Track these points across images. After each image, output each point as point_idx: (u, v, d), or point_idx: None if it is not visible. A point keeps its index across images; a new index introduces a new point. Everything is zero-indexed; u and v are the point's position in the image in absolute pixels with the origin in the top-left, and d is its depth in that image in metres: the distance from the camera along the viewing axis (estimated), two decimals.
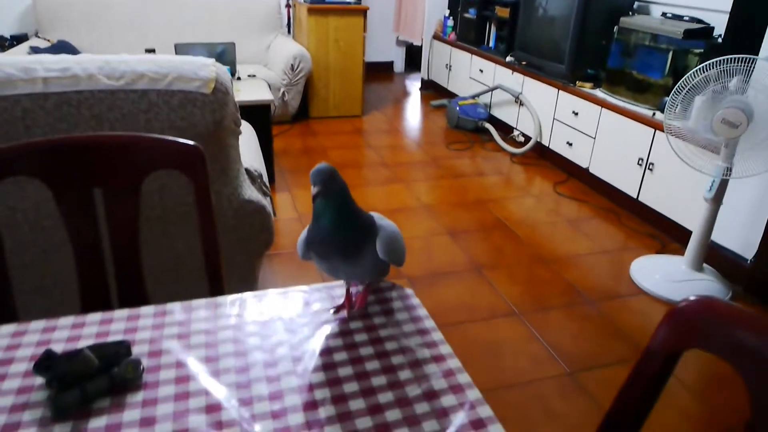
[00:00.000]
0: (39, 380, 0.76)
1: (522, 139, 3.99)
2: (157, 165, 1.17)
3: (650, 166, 2.87)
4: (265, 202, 1.91)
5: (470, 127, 4.28)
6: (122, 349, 0.76)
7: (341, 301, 0.94)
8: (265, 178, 2.15)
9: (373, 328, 0.88)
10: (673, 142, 2.27)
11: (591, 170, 3.34)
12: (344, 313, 0.91)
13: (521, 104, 3.93)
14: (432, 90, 5.57)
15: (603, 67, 3.36)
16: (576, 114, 3.40)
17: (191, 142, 1.16)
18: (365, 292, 0.94)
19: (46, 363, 0.73)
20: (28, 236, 1.62)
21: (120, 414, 0.71)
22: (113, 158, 1.15)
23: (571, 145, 3.49)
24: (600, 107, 3.19)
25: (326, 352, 0.82)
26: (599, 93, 3.27)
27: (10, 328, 0.85)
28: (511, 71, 4.04)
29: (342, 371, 0.78)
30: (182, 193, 1.69)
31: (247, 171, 1.96)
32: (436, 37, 5.36)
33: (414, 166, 3.69)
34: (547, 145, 3.74)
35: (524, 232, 2.86)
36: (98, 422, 0.70)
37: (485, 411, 0.72)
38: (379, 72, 6.32)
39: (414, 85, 5.86)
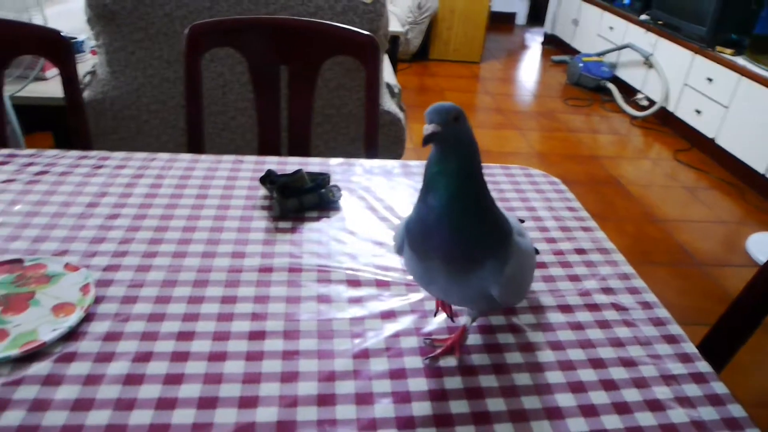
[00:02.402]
0: (261, 192, 0.94)
1: (646, 103, 3.88)
2: (336, 51, 1.32)
3: None
4: (401, 115, 2.05)
5: (591, 86, 4.20)
6: (326, 177, 0.93)
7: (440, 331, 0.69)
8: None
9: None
10: None
11: (717, 141, 3.22)
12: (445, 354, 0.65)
13: (650, 66, 3.81)
14: (554, 45, 5.45)
15: (749, 33, 3.19)
16: (710, 80, 3.27)
17: (367, 32, 1.30)
18: (461, 334, 0.66)
19: (269, 177, 0.91)
20: (220, 96, 1.82)
21: (328, 223, 0.88)
22: (300, 40, 1.30)
23: (699, 113, 3.37)
24: (739, 75, 3.05)
25: None
26: (740, 60, 3.13)
27: (230, 157, 1.04)
28: (644, 30, 3.90)
29: None
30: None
31: (388, 85, 2.10)
32: None
33: (529, 116, 3.71)
34: (672, 111, 3.63)
35: (637, 191, 2.85)
36: (311, 225, 0.87)
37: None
38: (500, 22, 6.23)
39: (535, 39, 5.76)
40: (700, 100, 3.37)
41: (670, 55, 3.64)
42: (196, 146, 1.33)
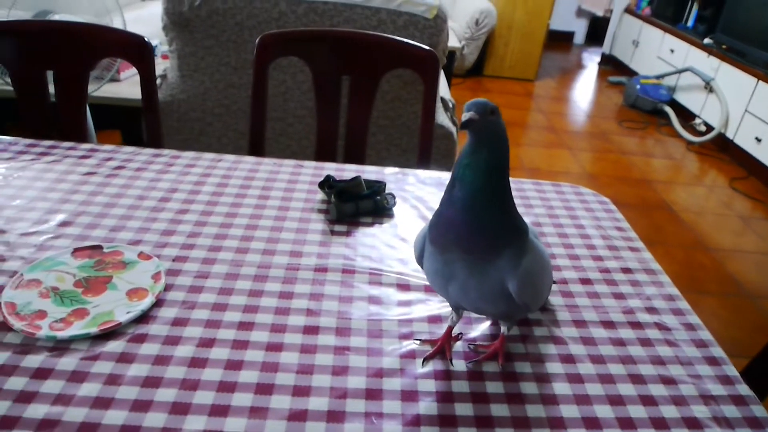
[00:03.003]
0: (319, 195, 0.99)
1: (704, 128, 3.79)
2: (397, 64, 1.36)
3: None
4: (453, 130, 2.08)
5: (648, 108, 4.13)
6: (382, 185, 0.97)
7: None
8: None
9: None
10: None
11: None
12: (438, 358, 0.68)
13: (711, 91, 3.72)
14: (611, 66, 5.38)
15: None
16: None
17: (428, 47, 1.34)
18: (502, 342, 0.69)
19: (327, 182, 0.96)
20: (281, 103, 1.90)
21: (381, 229, 0.92)
22: (363, 52, 1.36)
23: (760, 141, 3.28)
24: None
25: None
26: None
27: (291, 162, 1.10)
28: (706, 54, 3.82)
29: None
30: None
31: (442, 99, 2.14)
32: (628, 10, 5.15)
33: (581, 136, 3.68)
34: (731, 138, 3.53)
35: (689, 218, 2.79)
36: (365, 230, 0.91)
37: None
38: (558, 41, 6.20)
39: (592, 59, 5.70)
40: (761, 127, 3.27)
41: (733, 80, 3.55)
42: (257, 149, 1.40)
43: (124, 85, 2.23)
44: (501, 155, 0.58)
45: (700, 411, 0.65)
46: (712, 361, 0.73)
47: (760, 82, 3.30)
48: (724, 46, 3.74)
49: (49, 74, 1.32)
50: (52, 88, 1.32)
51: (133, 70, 2.27)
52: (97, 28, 1.31)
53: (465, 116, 0.54)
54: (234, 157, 1.11)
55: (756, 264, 2.48)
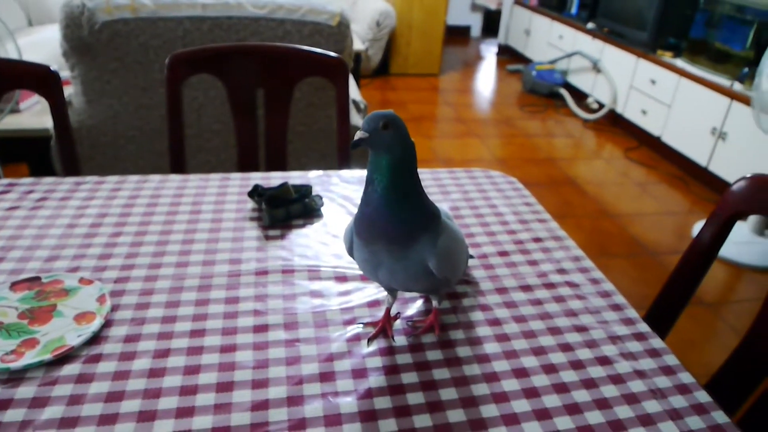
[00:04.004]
0: (250, 204, 1.03)
1: (596, 106, 4.09)
2: (309, 72, 1.42)
3: (723, 136, 2.97)
4: None
5: (545, 92, 4.41)
6: (308, 188, 1.03)
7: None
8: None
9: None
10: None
11: (663, 139, 3.43)
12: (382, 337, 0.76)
13: (598, 71, 4.03)
14: (508, 55, 5.67)
15: (685, 36, 3.42)
16: (653, 82, 3.49)
17: (337, 55, 1.41)
18: (436, 315, 0.77)
19: (256, 191, 1.01)
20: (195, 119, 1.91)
21: (313, 229, 0.98)
22: (275, 64, 1.40)
23: (645, 113, 3.59)
24: (679, 76, 3.27)
25: None
26: (679, 62, 3.35)
27: (217, 176, 1.13)
28: (591, 38, 4.13)
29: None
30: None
31: (354, 101, 2.21)
32: (517, 2, 5.44)
33: (488, 124, 3.87)
34: (621, 113, 3.84)
35: (592, 190, 3.02)
36: (298, 232, 0.97)
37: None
38: (456, 35, 6.44)
39: (490, 50, 5.97)
40: (645, 101, 3.58)
41: (616, 59, 3.86)
42: (178, 167, 1.41)
43: (26, 115, 2.15)
44: (403, 157, 0.64)
45: (609, 350, 0.75)
46: (616, 307, 0.84)
47: (640, 59, 3.61)
48: (605, 30, 4.06)
49: None
50: None
51: (34, 99, 2.19)
52: (0, 62, 1.28)
53: (356, 135, 0.62)
54: (160, 177, 1.12)
55: (654, 224, 2.72)
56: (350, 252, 0.73)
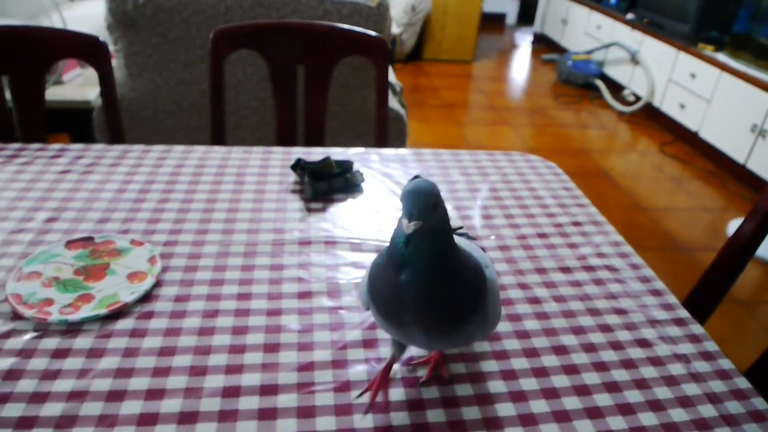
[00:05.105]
0: (292, 177, 1.05)
1: (632, 98, 4.02)
2: (349, 51, 1.43)
3: (763, 133, 2.90)
4: (402, 112, 2.17)
5: (580, 83, 4.34)
6: (350, 164, 1.04)
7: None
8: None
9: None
10: None
11: (701, 134, 3.37)
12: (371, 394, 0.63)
13: (636, 63, 3.95)
14: (543, 44, 5.59)
15: (728, 30, 3.34)
16: (693, 76, 3.42)
17: (377, 34, 1.41)
18: (440, 359, 0.68)
19: (299, 164, 1.02)
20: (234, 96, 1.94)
21: (354, 203, 1.00)
22: (317, 42, 1.42)
23: (683, 107, 3.52)
24: (720, 71, 3.19)
25: None
26: (721, 56, 3.27)
27: (260, 149, 1.16)
28: (630, 28, 4.05)
29: None
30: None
31: (390, 84, 2.21)
32: None
33: (521, 113, 3.84)
34: (657, 107, 3.77)
35: (625, 183, 2.99)
36: (339, 206, 0.98)
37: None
38: (491, 23, 6.37)
39: (525, 39, 5.90)
40: (683, 95, 3.51)
41: (655, 52, 3.78)
42: (219, 143, 1.43)
43: (69, 87, 2.20)
44: (446, 239, 0.53)
45: (648, 333, 0.76)
46: (655, 293, 0.84)
47: (680, 52, 3.54)
48: (645, 20, 3.97)
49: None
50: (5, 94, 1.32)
51: (76, 72, 2.24)
52: (51, 31, 1.31)
53: (407, 227, 0.49)
54: (204, 147, 1.15)
55: (688, 220, 2.68)
56: (367, 307, 0.62)
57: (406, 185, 0.51)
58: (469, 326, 0.56)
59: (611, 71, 4.32)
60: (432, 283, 0.52)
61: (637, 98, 3.97)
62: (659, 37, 3.74)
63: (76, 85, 2.21)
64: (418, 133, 3.31)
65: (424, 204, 0.50)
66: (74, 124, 2.27)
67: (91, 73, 2.30)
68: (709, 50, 3.37)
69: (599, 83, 4.22)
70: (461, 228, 0.72)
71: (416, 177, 0.55)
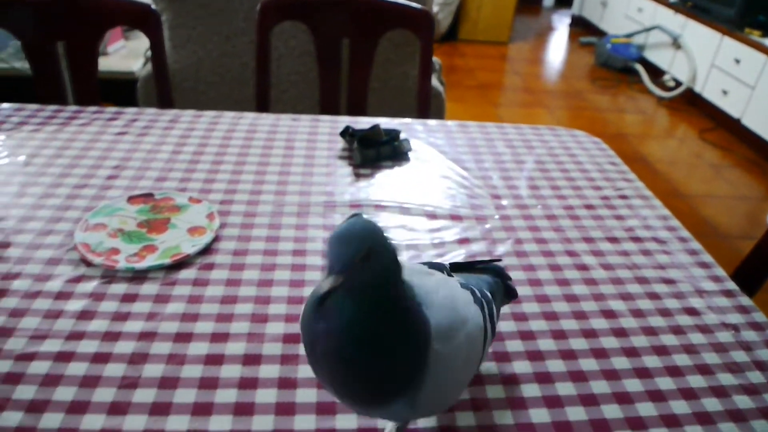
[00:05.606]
0: (340, 144, 1.07)
1: (672, 84, 3.94)
2: (394, 24, 1.44)
3: None
4: (441, 89, 2.17)
5: (619, 66, 4.27)
6: (398, 132, 1.06)
7: None
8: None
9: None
10: None
11: (743, 121, 3.29)
12: None
13: (678, 47, 3.86)
14: (581, 27, 5.49)
15: None
16: (738, 62, 3.33)
17: (423, 7, 1.42)
18: None
19: (348, 131, 1.04)
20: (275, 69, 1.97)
21: (402, 170, 1.01)
22: (363, 14, 1.43)
23: (726, 93, 3.44)
24: (766, 56, 3.10)
25: None
26: None
27: (308, 116, 1.18)
28: (673, 12, 3.95)
29: None
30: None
31: None
32: None
33: (557, 95, 3.79)
34: (699, 93, 3.69)
35: (663, 168, 2.94)
36: (387, 172, 1.00)
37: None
38: (528, 5, 6.27)
39: (562, 21, 5.80)
40: (727, 81, 3.43)
41: (699, 36, 3.69)
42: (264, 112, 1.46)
43: (113, 58, 2.26)
44: (380, 296, 0.42)
45: (697, 302, 0.76)
46: (703, 265, 0.84)
47: (725, 37, 3.44)
48: (689, 4, 3.87)
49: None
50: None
51: (120, 44, 2.29)
52: None
53: (322, 285, 0.39)
54: (254, 114, 1.18)
55: (727, 208, 2.64)
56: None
57: (336, 228, 0.41)
58: (394, 406, 0.45)
59: (651, 55, 4.23)
60: (349, 343, 0.42)
61: (678, 83, 3.89)
62: (703, 21, 3.64)
63: (120, 56, 2.26)
64: (453, 114, 3.30)
65: (350, 255, 0.39)
66: (119, 95, 2.33)
67: (134, 45, 2.35)
68: (755, 35, 3.28)
69: (639, 67, 4.14)
70: (500, 260, 0.65)
71: (354, 215, 0.42)
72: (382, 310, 0.42)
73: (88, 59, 1.37)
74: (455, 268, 0.61)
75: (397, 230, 0.85)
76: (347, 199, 0.92)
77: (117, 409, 0.56)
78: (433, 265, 0.55)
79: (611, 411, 0.59)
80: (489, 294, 0.56)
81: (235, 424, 0.55)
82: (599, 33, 5.03)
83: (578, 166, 1.09)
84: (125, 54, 2.31)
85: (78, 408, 0.56)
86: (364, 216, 0.41)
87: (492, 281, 0.59)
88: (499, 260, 0.65)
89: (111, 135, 1.06)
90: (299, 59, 1.94)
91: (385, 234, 0.42)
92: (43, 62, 1.35)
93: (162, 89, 1.43)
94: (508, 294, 0.62)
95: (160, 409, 0.56)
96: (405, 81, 2.03)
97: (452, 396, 0.49)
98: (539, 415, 0.59)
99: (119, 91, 2.25)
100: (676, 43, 3.87)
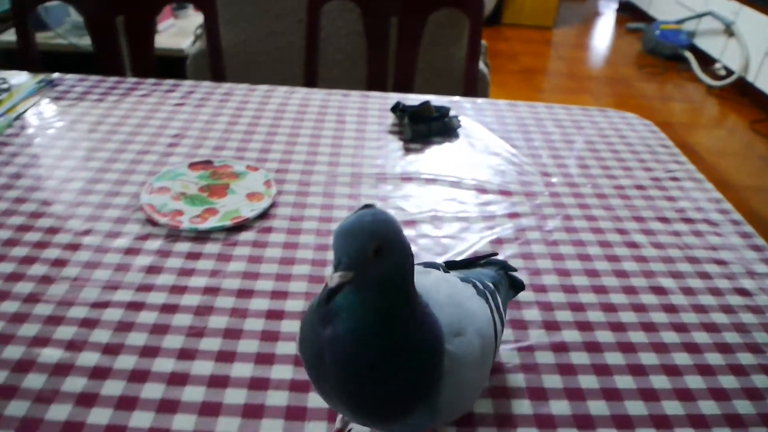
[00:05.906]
0: (390, 120, 1.09)
1: (724, 72, 3.82)
2: (444, 3, 1.44)
3: None
4: (486, 71, 2.16)
5: (667, 53, 4.15)
6: (448, 108, 1.07)
7: None
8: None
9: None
10: None
11: None
12: None
13: (731, 35, 3.74)
14: (629, 13, 5.35)
15: None
16: None
17: None
18: None
19: (399, 106, 1.06)
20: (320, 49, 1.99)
21: (452, 146, 1.03)
22: None
23: None
24: None
25: None
26: None
27: (357, 92, 1.20)
28: None
29: None
30: None
31: None
32: None
33: (602, 82, 3.72)
34: (751, 82, 3.57)
35: (710, 159, 2.87)
36: (437, 148, 1.02)
37: None
38: None
39: (609, 6, 5.66)
40: None
41: (754, 23, 3.56)
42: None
43: (164, 36, 2.31)
44: (394, 294, 0.39)
45: (748, 283, 0.76)
46: (756, 248, 0.83)
47: None
48: None
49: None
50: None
51: (170, 22, 2.35)
52: None
53: (331, 278, 0.35)
54: (306, 90, 1.20)
55: None
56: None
57: (344, 220, 0.38)
58: (414, 416, 0.42)
59: (702, 43, 4.10)
60: (362, 345, 0.39)
61: (729, 72, 3.77)
62: (759, 7, 3.51)
63: (169, 34, 2.32)
64: (496, 98, 3.28)
65: (358, 249, 0.36)
66: (169, 72, 2.39)
67: (183, 24, 2.40)
68: None
69: (688, 55, 4.03)
70: (495, 255, 0.62)
71: (366, 206, 0.39)
72: (396, 310, 0.39)
73: (145, 34, 1.42)
74: (452, 267, 0.58)
75: (447, 202, 0.87)
76: (398, 172, 0.94)
77: (185, 354, 0.60)
78: (428, 265, 0.54)
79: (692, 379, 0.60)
80: (491, 285, 0.54)
81: (295, 374, 0.58)
82: (647, 19, 4.89)
83: (629, 147, 1.08)
84: (175, 32, 2.37)
85: (150, 352, 0.59)
86: (377, 207, 0.39)
87: (494, 274, 0.57)
88: (496, 254, 0.62)
89: (170, 106, 1.10)
90: (345, 39, 1.95)
91: (398, 226, 0.39)
92: (104, 37, 1.40)
93: (215, 63, 1.46)
94: (514, 286, 0.60)
95: (225, 356, 0.60)
96: (450, 62, 2.03)
97: (471, 397, 0.46)
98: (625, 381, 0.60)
99: (169, 69, 2.31)
100: (729, 30, 3.74)
